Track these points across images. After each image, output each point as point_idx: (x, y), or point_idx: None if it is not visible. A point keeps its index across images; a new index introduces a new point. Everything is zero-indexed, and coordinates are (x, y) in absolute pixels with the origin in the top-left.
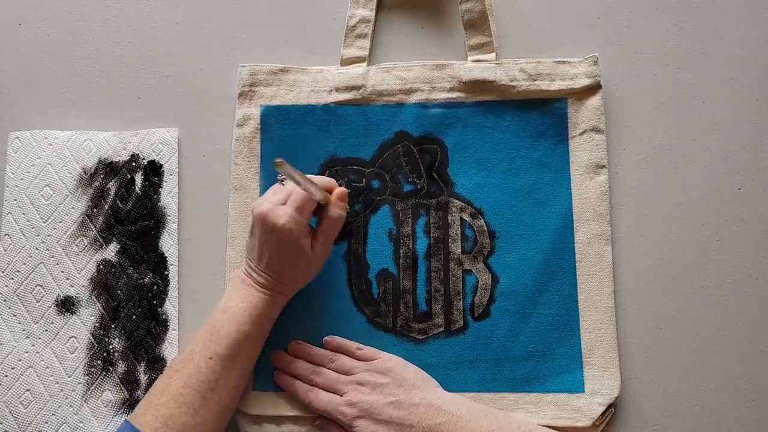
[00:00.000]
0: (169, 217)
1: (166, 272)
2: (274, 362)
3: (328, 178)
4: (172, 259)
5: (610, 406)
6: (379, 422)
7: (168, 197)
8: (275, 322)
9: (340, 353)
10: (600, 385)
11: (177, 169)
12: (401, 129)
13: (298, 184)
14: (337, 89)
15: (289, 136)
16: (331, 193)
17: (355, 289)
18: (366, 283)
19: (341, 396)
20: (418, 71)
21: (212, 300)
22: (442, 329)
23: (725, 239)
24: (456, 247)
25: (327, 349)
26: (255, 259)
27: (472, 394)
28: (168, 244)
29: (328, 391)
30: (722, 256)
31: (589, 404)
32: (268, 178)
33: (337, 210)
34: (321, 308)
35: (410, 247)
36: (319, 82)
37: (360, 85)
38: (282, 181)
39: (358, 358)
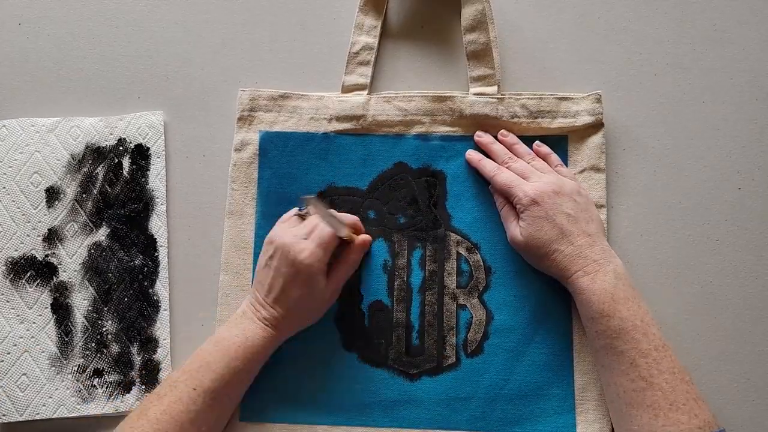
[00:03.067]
0: (157, 200)
1: (156, 254)
2: (477, 138)
3: (353, 216)
4: (161, 240)
5: None
6: (549, 218)
7: (156, 180)
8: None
9: (537, 157)
10: (592, 429)
11: (164, 152)
12: (400, 160)
13: (325, 219)
14: (337, 118)
15: (287, 163)
16: (355, 233)
17: (347, 323)
18: (359, 314)
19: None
20: (419, 102)
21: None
22: (434, 364)
23: (725, 239)
24: (451, 282)
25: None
26: (264, 291)
27: None
28: (157, 225)
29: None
30: (722, 256)
31: None
32: (265, 204)
33: (357, 256)
34: (309, 347)
35: (405, 279)
36: (319, 109)
37: (360, 115)
38: (303, 214)
39: (558, 173)
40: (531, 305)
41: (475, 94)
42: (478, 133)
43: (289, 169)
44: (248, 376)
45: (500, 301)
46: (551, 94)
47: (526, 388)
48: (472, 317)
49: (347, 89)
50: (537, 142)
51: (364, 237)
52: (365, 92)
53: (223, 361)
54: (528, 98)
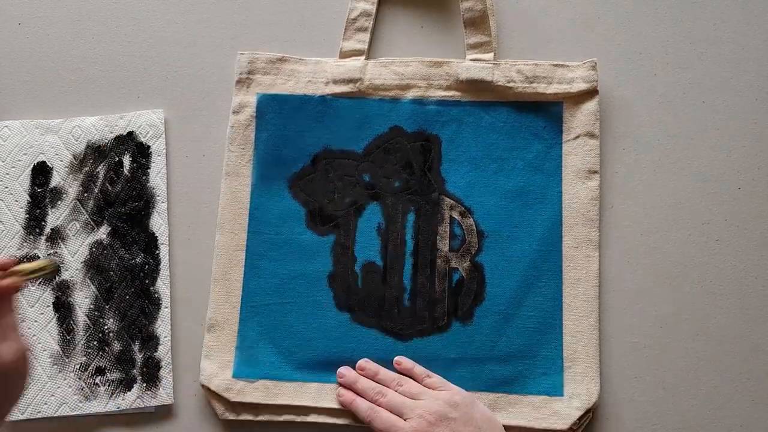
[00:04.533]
0: (158, 197)
1: (157, 251)
2: (339, 378)
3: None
4: (162, 238)
5: (588, 411)
6: None
7: (157, 178)
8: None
9: (408, 377)
10: (579, 390)
11: (165, 150)
12: (396, 124)
13: None
14: (335, 81)
15: (283, 125)
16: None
17: (340, 284)
18: (352, 275)
19: (405, 420)
20: (416, 67)
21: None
22: (425, 326)
23: (725, 239)
24: (444, 245)
25: (395, 371)
26: None
27: None
28: (158, 223)
29: (391, 413)
30: (722, 256)
31: (567, 408)
32: (261, 166)
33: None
34: (302, 307)
35: (398, 242)
36: (316, 73)
37: (357, 78)
38: None
39: (426, 386)
40: (522, 269)
41: (471, 60)
42: (339, 371)
43: (285, 132)
44: None
45: (492, 264)
46: (547, 61)
47: (516, 349)
48: (463, 280)
49: (345, 55)
50: (396, 358)
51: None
52: (362, 58)
53: None
54: (524, 64)
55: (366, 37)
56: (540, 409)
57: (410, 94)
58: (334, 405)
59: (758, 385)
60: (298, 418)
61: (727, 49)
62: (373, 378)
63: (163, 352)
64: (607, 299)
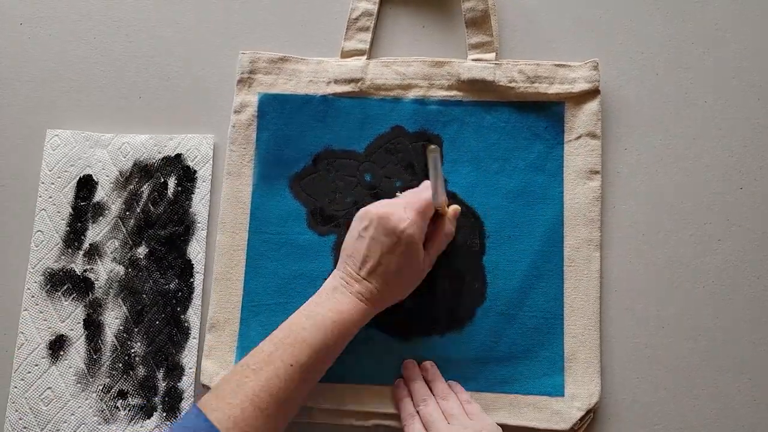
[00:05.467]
0: (198, 225)
1: (192, 279)
2: (404, 369)
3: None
4: (198, 266)
5: (589, 412)
6: None
7: (200, 204)
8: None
9: (451, 392)
10: (580, 390)
11: (210, 177)
12: (397, 124)
13: (435, 178)
14: (336, 81)
15: (285, 125)
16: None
17: None
18: None
19: None
20: (417, 67)
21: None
22: (426, 326)
23: (726, 239)
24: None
25: (400, 372)
26: (357, 264)
27: None
28: (196, 251)
29: (424, 425)
30: (724, 256)
31: (568, 408)
32: (263, 165)
33: (453, 226)
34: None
35: None
36: (318, 72)
37: (358, 78)
38: (397, 193)
39: (465, 410)
40: (524, 269)
41: (473, 60)
42: (405, 363)
43: (287, 131)
44: (340, 350)
45: (493, 264)
46: (548, 61)
47: (516, 350)
48: (465, 280)
49: (346, 54)
50: (424, 363)
51: (456, 207)
52: (364, 58)
53: (319, 338)
54: (525, 64)
55: (367, 36)
56: (541, 410)
57: (412, 94)
58: (333, 405)
59: (759, 385)
60: (298, 418)
61: (729, 48)
62: (428, 382)
63: (186, 383)
64: (608, 299)
